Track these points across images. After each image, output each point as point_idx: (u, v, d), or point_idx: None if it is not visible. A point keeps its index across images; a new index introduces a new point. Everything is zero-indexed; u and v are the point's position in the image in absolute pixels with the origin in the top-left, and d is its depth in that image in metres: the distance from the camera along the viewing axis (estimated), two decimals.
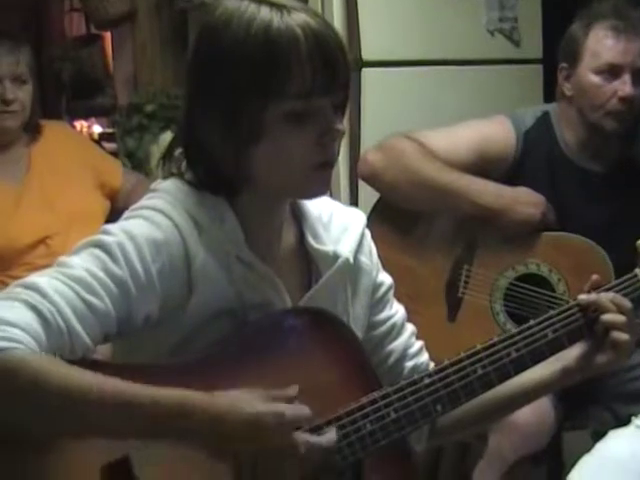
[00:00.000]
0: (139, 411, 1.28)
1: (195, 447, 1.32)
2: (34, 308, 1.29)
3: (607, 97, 2.48)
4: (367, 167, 2.56)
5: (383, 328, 1.65)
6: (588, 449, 2.00)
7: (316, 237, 1.55)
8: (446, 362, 1.52)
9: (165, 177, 1.50)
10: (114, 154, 3.53)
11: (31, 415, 1.26)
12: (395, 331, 1.66)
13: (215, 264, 1.43)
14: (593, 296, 1.61)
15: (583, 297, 1.62)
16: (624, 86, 2.47)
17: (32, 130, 2.97)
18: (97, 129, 5.11)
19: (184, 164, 1.48)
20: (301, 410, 1.34)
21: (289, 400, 1.34)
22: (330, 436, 1.39)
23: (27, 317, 1.28)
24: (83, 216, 2.88)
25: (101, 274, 1.35)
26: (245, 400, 1.32)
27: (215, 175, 1.46)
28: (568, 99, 2.56)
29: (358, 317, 1.60)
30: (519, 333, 1.57)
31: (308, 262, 1.56)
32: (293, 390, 1.36)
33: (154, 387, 1.29)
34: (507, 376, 1.55)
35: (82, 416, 1.27)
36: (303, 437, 1.34)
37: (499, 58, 3.47)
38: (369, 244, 1.64)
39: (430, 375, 1.50)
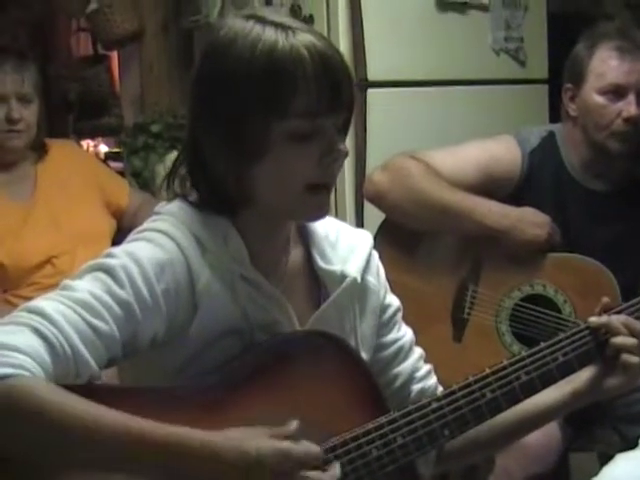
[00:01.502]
0: (137, 450, 1.26)
1: None
2: (40, 333, 1.29)
3: (612, 118, 2.47)
4: (372, 187, 2.55)
5: (390, 350, 1.64)
6: (595, 470, 1.98)
7: (323, 257, 1.56)
8: (454, 386, 1.52)
9: (170, 198, 1.50)
10: (120, 173, 3.53)
11: (31, 444, 1.25)
12: (402, 354, 1.66)
13: (219, 283, 1.44)
14: (604, 318, 1.61)
15: (594, 319, 1.62)
16: (629, 107, 2.46)
17: (38, 149, 2.97)
18: (103, 148, 5.12)
19: (188, 184, 1.48)
20: (309, 449, 1.33)
21: (291, 437, 1.32)
22: (333, 473, 1.37)
23: (33, 342, 1.27)
24: (89, 235, 2.88)
25: (106, 297, 1.35)
26: (246, 438, 1.30)
27: (218, 194, 1.46)
28: (573, 119, 2.56)
29: (366, 337, 1.60)
30: (529, 356, 1.56)
31: (316, 282, 1.57)
32: (293, 426, 1.34)
33: (153, 424, 1.27)
34: (516, 400, 1.55)
35: (81, 452, 1.26)
36: (306, 476, 1.32)
37: (505, 78, 3.48)
38: (377, 264, 1.64)
39: (438, 399, 1.50)
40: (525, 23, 3.48)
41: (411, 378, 1.66)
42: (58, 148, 3.04)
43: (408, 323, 1.70)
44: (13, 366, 1.24)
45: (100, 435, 1.25)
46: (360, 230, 1.66)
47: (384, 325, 1.64)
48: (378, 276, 1.64)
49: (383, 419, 1.45)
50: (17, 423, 1.24)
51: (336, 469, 1.38)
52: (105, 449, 1.26)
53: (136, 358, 1.41)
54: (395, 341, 1.65)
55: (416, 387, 1.65)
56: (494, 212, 2.44)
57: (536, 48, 3.52)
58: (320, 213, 1.49)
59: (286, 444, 1.30)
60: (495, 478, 2.37)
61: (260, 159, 1.41)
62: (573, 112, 2.55)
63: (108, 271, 1.37)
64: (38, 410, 1.23)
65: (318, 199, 1.45)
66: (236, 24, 1.43)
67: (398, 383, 1.64)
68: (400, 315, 1.67)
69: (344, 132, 1.46)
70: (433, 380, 1.69)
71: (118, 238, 2.86)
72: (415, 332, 1.70)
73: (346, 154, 1.45)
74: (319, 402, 1.44)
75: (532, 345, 1.60)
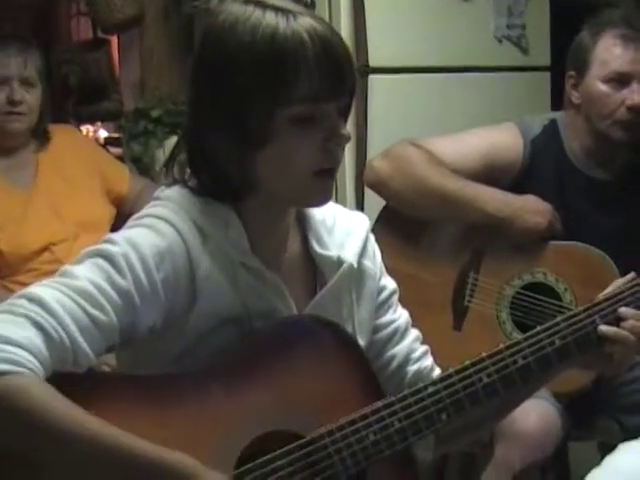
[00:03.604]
0: (96, 454, 1.26)
1: None
2: (38, 325, 1.28)
3: (615, 106, 2.47)
4: (373, 174, 2.55)
5: (386, 332, 1.63)
6: (595, 460, 1.98)
7: (320, 242, 1.55)
8: (451, 370, 1.51)
9: (169, 184, 1.49)
10: (120, 159, 3.52)
11: (24, 443, 1.26)
12: (398, 335, 1.65)
13: (220, 272, 1.43)
14: (613, 330, 1.61)
15: (603, 329, 1.61)
16: (632, 95, 2.45)
17: (40, 136, 2.96)
18: (103, 134, 5.10)
19: (188, 170, 1.47)
20: None
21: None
22: None
23: (31, 335, 1.27)
24: (89, 223, 2.88)
25: (105, 286, 1.34)
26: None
27: (219, 181, 1.45)
28: (576, 107, 2.55)
29: (363, 322, 1.59)
30: (525, 340, 1.56)
31: (312, 267, 1.56)
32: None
33: (118, 432, 1.27)
34: (513, 384, 1.54)
35: (71, 459, 1.27)
36: None
37: (507, 65, 3.48)
38: (373, 248, 1.63)
39: (434, 383, 1.49)
40: (528, 10, 3.48)
41: (407, 359, 1.64)
42: (59, 134, 3.03)
43: (408, 311, 1.69)
44: (11, 362, 1.24)
45: (70, 437, 1.25)
46: (356, 213, 1.65)
47: (379, 307, 1.63)
48: (374, 259, 1.63)
49: (380, 404, 1.45)
50: (10, 421, 1.24)
51: None
52: (76, 453, 1.26)
53: (134, 344, 1.40)
54: (391, 323, 1.64)
55: (412, 368, 1.65)
56: (496, 200, 2.44)
57: (538, 35, 3.52)
58: (325, 198, 1.48)
59: None
60: (494, 467, 2.37)
61: (263, 145, 1.40)
62: (576, 100, 2.54)
63: (108, 258, 1.36)
64: (28, 410, 1.24)
65: (322, 184, 1.44)
66: (235, 8, 1.41)
67: (394, 365, 1.63)
68: (396, 297, 1.66)
69: (345, 117, 1.45)
70: (429, 361, 1.68)
71: (118, 224, 2.84)
72: (415, 320, 1.69)
73: (349, 138, 1.44)
74: (315, 387, 1.44)
75: None
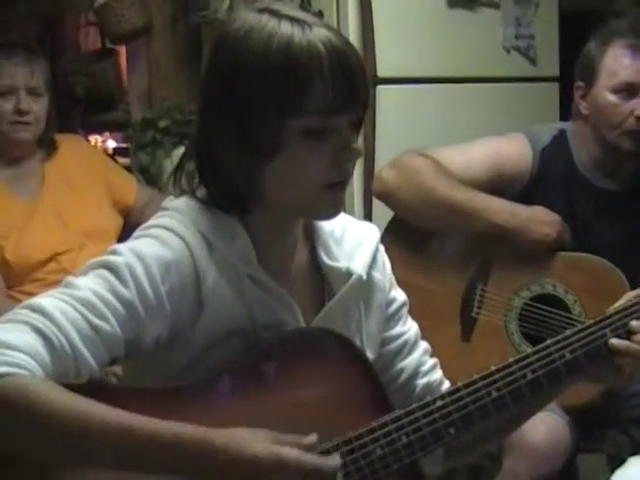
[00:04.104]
0: (133, 445, 1.24)
1: None
2: (39, 331, 1.27)
3: (624, 116, 2.45)
4: (381, 185, 2.54)
5: (395, 345, 1.62)
6: (603, 472, 1.97)
7: (329, 253, 1.53)
8: (460, 384, 1.50)
9: (177, 194, 1.48)
10: (127, 169, 3.52)
11: (29, 444, 1.24)
12: (407, 348, 1.64)
13: (226, 283, 1.41)
14: (624, 344, 1.60)
15: (614, 342, 1.59)
16: None
17: (47, 146, 2.95)
18: (111, 144, 5.11)
19: (196, 181, 1.46)
20: (312, 462, 1.29)
21: (307, 447, 1.29)
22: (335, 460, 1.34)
23: (32, 341, 1.26)
24: (95, 233, 2.87)
25: (109, 296, 1.33)
26: (245, 439, 1.27)
27: (227, 192, 1.43)
28: (584, 118, 2.54)
29: (372, 335, 1.58)
30: (535, 353, 1.54)
31: (321, 279, 1.54)
32: (309, 439, 1.31)
33: (144, 419, 1.25)
34: (523, 398, 1.52)
35: (81, 449, 1.25)
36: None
37: (515, 76, 3.47)
38: (383, 259, 1.62)
39: (443, 397, 1.48)
40: (536, 20, 3.47)
41: (416, 373, 1.63)
42: (66, 144, 3.02)
43: (416, 322, 1.68)
44: (11, 365, 1.23)
45: (89, 431, 1.23)
46: (366, 223, 1.64)
47: (389, 319, 1.62)
48: (384, 271, 1.61)
49: (387, 418, 1.43)
50: (11, 421, 1.23)
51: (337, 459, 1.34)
52: (94, 446, 1.24)
53: (140, 358, 1.39)
54: (400, 335, 1.63)
55: (421, 382, 1.63)
56: (504, 211, 2.42)
57: (547, 45, 3.51)
58: (334, 212, 1.46)
59: (286, 451, 1.27)
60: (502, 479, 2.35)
61: (273, 157, 1.39)
62: (584, 110, 2.53)
63: (112, 269, 1.35)
64: (29, 407, 1.22)
65: (332, 197, 1.43)
66: (249, 17, 1.40)
67: (403, 378, 1.62)
68: (406, 309, 1.65)
69: (357, 130, 1.44)
70: (438, 374, 1.67)
71: (125, 235, 2.84)
72: (423, 332, 1.68)
73: (361, 153, 1.42)
74: (322, 401, 1.43)
75: None
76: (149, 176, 3.62)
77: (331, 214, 1.47)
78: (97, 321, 1.31)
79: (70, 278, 1.36)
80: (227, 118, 1.40)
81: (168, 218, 1.43)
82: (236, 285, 1.42)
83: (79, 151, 3.09)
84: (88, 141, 4.50)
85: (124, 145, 4.47)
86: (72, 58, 4.47)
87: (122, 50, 4.30)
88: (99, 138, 5.05)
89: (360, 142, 1.45)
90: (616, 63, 2.47)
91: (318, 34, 1.37)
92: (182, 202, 1.46)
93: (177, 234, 1.40)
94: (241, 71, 1.38)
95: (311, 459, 1.29)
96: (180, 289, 1.38)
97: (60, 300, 1.31)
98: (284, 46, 1.36)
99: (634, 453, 2.45)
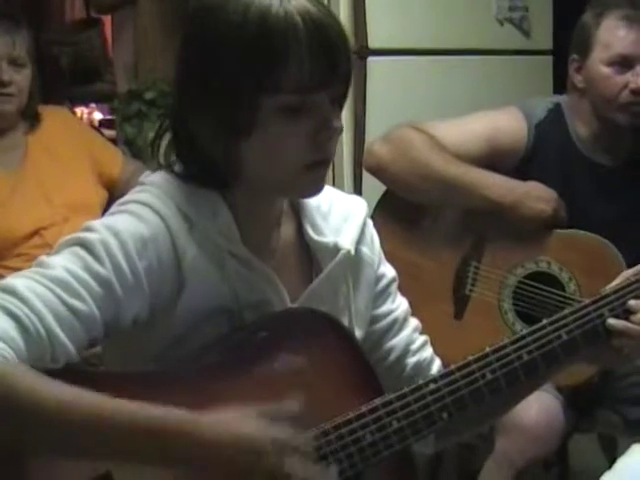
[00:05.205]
0: (115, 432, 1.20)
1: (180, 466, 1.24)
2: (11, 314, 1.22)
3: (618, 89, 2.43)
4: (373, 159, 2.50)
5: (384, 322, 1.59)
6: (594, 452, 1.95)
7: (315, 228, 1.50)
8: (453, 367, 1.46)
9: (154, 169, 1.43)
10: (113, 141, 3.48)
11: (5, 428, 1.19)
12: (397, 326, 1.60)
13: (207, 260, 1.37)
14: (622, 323, 1.56)
15: (612, 322, 1.56)
16: (636, 78, 2.42)
17: (31, 117, 2.91)
18: (98, 116, 5.07)
19: (174, 154, 1.42)
20: (294, 439, 1.25)
21: (288, 418, 1.26)
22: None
23: (4, 324, 1.21)
24: (80, 207, 2.83)
25: (84, 274, 1.28)
26: (232, 420, 1.23)
27: (206, 168, 1.39)
28: (580, 91, 2.52)
29: (360, 311, 1.54)
30: (531, 334, 1.51)
31: (308, 255, 1.51)
32: (291, 405, 1.27)
33: (134, 404, 1.21)
34: (517, 380, 1.49)
35: (55, 433, 1.19)
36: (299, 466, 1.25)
37: (508, 48, 3.47)
38: (371, 233, 1.58)
39: (435, 381, 1.44)
40: None
41: (406, 351, 1.60)
42: (50, 115, 2.99)
43: (407, 300, 1.65)
44: None
45: (73, 416, 1.18)
46: (354, 197, 1.60)
47: (378, 296, 1.59)
48: (373, 246, 1.58)
49: (377, 402, 1.39)
50: None
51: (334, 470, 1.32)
52: (79, 431, 1.19)
53: (121, 338, 1.35)
54: (389, 313, 1.59)
55: (411, 360, 1.60)
56: (499, 186, 2.39)
57: (541, 18, 3.51)
58: (316, 190, 1.42)
59: (275, 430, 1.24)
60: (494, 462, 2.33)
61: (249, 134, 1.34)
62: (580, 84, 2.51)
63: (86, 246, 1.31)
64: (8, 393, 1.17)
65: (313, 176, 1.38)
66: None
67: (393, 357, 1.59)
68: (395, 286, 1.62)
69: (339, 106, 1.39)
70: (429, 352, 1.64)
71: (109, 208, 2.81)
72: (415, 309, 1.65)
73: (341, 130, 1.37)
74: (310, 383, 1.39)
75: (535, 324, 1.55)
76: (135, 148, 3.59)
77: (312, 193, 1.43)
78: (72, 301, 1.26)
79: (43, 257, 1.31)
80: (202, 91, 1.35)
81: (145, 193, 1.39)
82: (218, 262, 1.38)
83: (63, 123, 3.05)
84: (74, 113, 4.46)
85: (110, 117, 4.43)
86: (56, 28, 4.42)
87: (108, 20, 4.25)
88: (85, 110, 5.02)
89: (350, 115, 1.40)
90: (611, 35, 2.44)
91: (296, 4, 1.32)
92: (160, 177, 1.42)
93: (154, 209, 1.36)
94: (215, 41, 1.33)
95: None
96: (158, 266, 1.34)
97: (33, 280, 1.26)
98: (259, 16, 1.30)
99: (627, 433, 2.44)
